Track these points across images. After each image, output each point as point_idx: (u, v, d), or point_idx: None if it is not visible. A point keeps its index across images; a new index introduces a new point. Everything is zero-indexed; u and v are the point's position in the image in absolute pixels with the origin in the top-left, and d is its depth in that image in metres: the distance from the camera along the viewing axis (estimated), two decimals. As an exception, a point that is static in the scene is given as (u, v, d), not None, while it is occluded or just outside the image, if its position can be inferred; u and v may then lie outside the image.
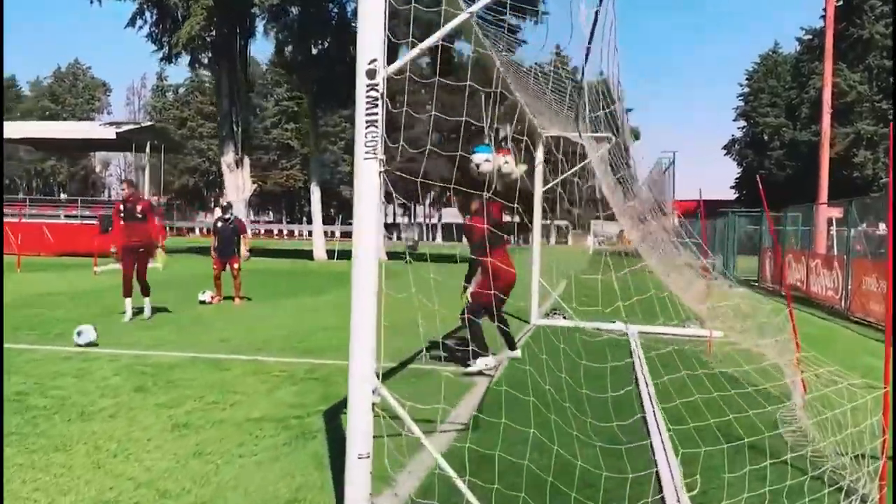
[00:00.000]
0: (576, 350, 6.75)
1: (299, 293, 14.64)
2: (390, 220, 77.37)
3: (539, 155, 10.43)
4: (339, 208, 68.53)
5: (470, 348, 6.67)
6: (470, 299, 6.67)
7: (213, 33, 26.07)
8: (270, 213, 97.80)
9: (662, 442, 4.77)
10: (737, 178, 74.23)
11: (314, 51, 26.26)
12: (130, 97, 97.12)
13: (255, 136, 50.66)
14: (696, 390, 5.51)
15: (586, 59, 4.61)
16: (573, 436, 4.59)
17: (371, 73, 3.00)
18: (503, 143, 7.34)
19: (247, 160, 27.37)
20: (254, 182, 27.90)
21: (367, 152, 3.03)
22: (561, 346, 5.83)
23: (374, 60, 3.01)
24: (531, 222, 11.04)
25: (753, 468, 3.98)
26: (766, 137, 66.04)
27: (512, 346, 7.27)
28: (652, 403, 5.78)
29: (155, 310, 10.53)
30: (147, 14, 27.43)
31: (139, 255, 9.76)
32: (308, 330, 9.37)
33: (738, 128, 73.87)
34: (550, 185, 10.47)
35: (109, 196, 72.95)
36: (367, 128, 3.02)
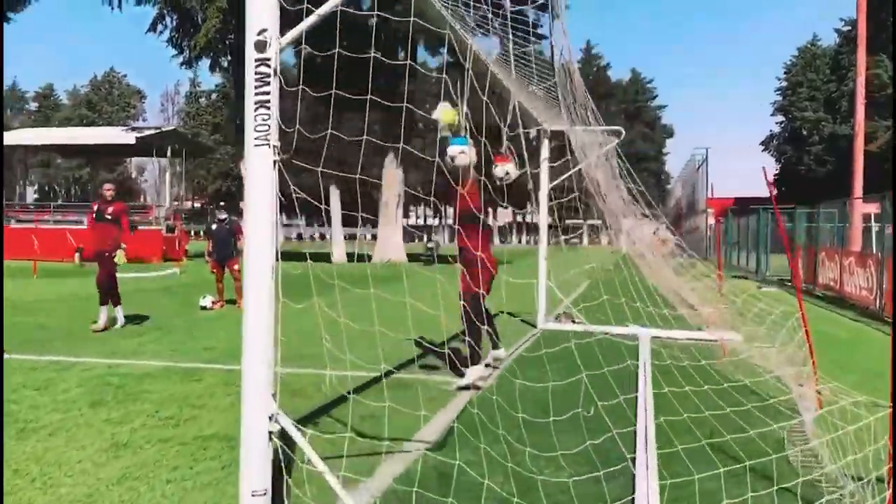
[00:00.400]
0: (579, 356, 6.26)
1: (307, 297, 14.28)
2: (420, 222, 77.15)
3: (544, 151, 9.92)
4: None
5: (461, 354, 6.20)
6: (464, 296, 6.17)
7: (232, 36, 25.91)
8: (304, 217, 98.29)
9: (647, 463, 4.24)
10: (775, 175, 72.51)
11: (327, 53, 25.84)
12: (164, 104, 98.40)
13: (284, 140, 50.67)
14: (700, 403, 5.02)
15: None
16: (551, 457, 4.14)
17: (260, 46, 2.57)
18: (503, 151, 6.89)
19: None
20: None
21: (257, 138, 2.59)
22: (558, 352, 5.37)
23: (265, 31, 2.57)
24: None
25: (735, 501, 3.45)
26: (804, 132, 64.29)
27: (496, 345, 6.74)
28: (646, 417, 5.25)
29: (138, 318, 10.31)
30: (167, 19, 27.47)
31: (104, 259, 9.36)
32: (298, 336, 8.97)
33: (776, 123, 72.08)
34: (556, 182, 9.93)
35: (144, 201, 74.07)
36: (256, 109, 2.58)
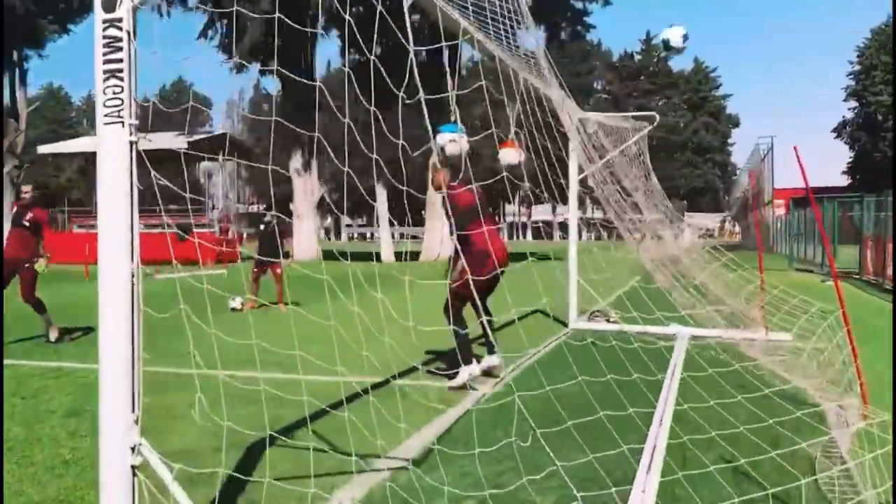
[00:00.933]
0: (606, 358, 5.73)
1: (345, 297, 14.00)
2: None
3: (573, 140, 9.29)
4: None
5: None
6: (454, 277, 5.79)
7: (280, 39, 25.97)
8: (365, 217, 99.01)
9: (643, 489, 3.68)
10: (849, 163, 69.25)
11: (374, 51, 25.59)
12: (230, 110, 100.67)
13: (344, 141, 50.90)
14: (729, 414, 4.45)
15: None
16: (544, 475, 3.66)
17: (109, 5, 2.15)
18: (509, 136, 6.46)
19: (314, 164, 27.24)
20: (321, 186, 27.62)
21: (108, 114, 2.18)
22: (582, 354, 4.85)
23: (114, -14, 2.15)
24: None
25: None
26: (879, 117, 61.09)
27: (491, 350, 6.26)
28: (658, 432, 4.66)
29: (162, 320, 10.12)
30: (217, 25, 27.75)
31: (24, 270, 8.36)
32: (314, 340, 8.63)
33: (849, 108, 68.74)
34: (586, 172, 9.31)
35: (213, 205, 75.86)
36: (106, 80, 2.17)
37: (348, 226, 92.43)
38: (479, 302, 6.00)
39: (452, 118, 5.16)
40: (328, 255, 25.44)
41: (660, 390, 5.75)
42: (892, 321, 8.81)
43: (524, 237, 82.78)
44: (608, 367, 5.71)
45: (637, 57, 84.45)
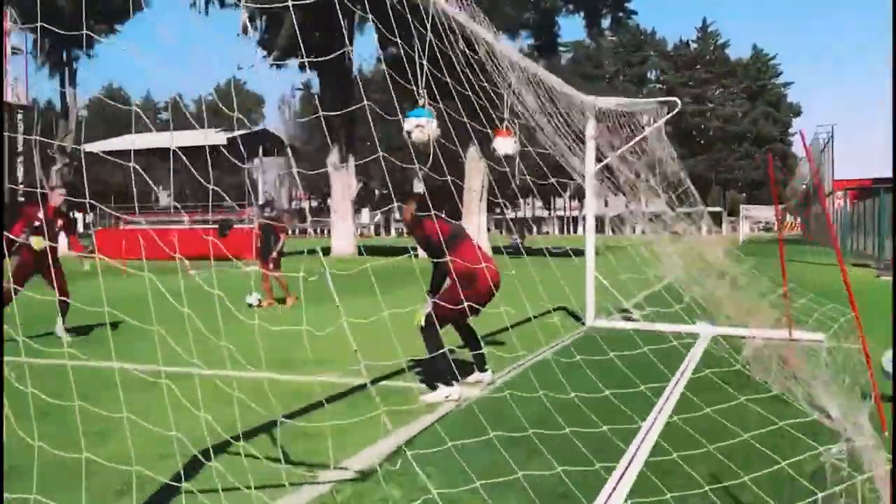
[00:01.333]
0: (609, 362, 5.34)
1: (368, 294, 13.78)
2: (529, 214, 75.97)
3: (590, 129, 8.82)
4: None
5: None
6: (422, 318, 5.52)
7: (317, 34, 25.92)
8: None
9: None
10: (917, 152, 66.16)
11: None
12: (282, 107, 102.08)
13: (392, 137, 51.09)
14: (730, 420, 4.04)
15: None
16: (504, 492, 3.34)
17: None
18: (505, 124, 6.14)
19: (352, 160, 27.12)
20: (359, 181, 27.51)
21: None
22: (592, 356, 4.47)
23: None
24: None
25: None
26: (951, 103, 58.13)
27: (482, 367, 5.93)
28: (638, 447, 4.22)
29: (174, 318, 10.07)
30: (258, 21, 27.91)
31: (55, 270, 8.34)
32: (311, 338, 8.40)
33: (918, 94, 65.69)
34: (603, 163, 8.83)
35: (259, 202, 77.01)
36: None
37: (398, 221, 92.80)
38: (467, 323, 5.73)
39: (421, 102, 4.82)
40: (370, 251, 25.22)
41: (659, 395, 5.33)
42: (891, 320, 8.12)
43: (575, 231, 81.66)
44: (611, 369, 5.32)
45: (693, 45, 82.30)
